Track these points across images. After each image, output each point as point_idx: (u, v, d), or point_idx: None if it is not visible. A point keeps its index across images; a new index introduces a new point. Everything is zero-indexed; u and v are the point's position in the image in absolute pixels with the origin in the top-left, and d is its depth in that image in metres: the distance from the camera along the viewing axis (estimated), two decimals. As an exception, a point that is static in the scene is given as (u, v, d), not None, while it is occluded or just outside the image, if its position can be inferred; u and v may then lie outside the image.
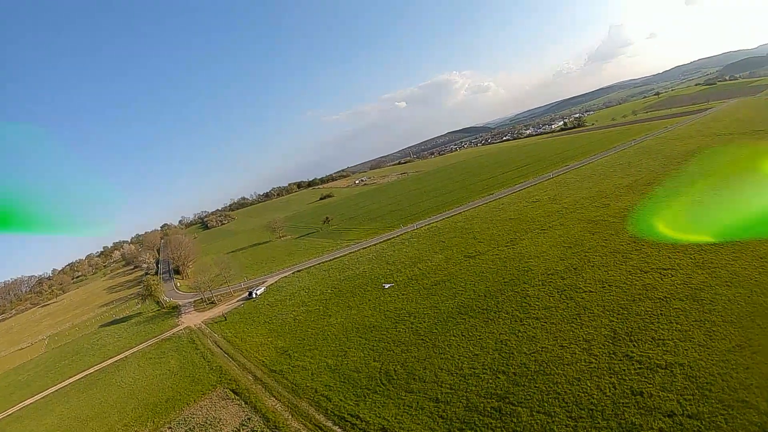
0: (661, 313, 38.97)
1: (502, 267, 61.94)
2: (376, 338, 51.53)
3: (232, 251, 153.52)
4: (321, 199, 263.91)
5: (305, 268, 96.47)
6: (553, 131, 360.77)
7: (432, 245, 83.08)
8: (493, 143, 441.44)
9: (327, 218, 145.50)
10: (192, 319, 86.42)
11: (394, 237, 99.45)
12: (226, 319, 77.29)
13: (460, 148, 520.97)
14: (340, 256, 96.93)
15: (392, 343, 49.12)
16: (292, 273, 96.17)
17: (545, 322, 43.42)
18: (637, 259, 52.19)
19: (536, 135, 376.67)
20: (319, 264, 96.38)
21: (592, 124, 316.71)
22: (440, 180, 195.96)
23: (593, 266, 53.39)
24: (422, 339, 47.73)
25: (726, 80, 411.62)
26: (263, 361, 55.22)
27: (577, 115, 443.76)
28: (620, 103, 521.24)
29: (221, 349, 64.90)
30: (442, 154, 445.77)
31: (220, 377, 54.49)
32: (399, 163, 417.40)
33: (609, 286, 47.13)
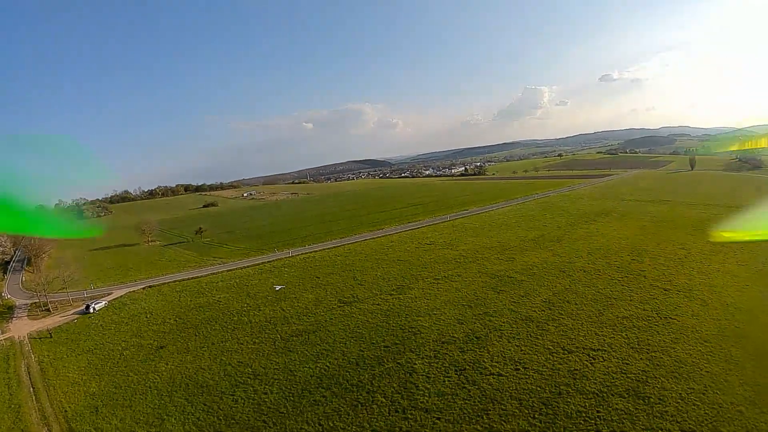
0: (598, 416, 30.93)
1: (384, 323, 52.41)
2: (204, 407, 38.87)
3: (96, 249, 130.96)
4: (204, 206, 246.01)
5: (158, 284, 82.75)
6: (453, 175, 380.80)
7: (303, 280, 74.79)
8: (391, 178, 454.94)
9: (200, 229, 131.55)
10: (20, 327, 67.54)
11: (264, 262, 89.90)
12: (51, 337, 61.55)
13: (357, 177, 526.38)
14: (200, 276, 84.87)
15: (222, 418, 36.84)
16: (143, 288, 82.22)
17: (438, 418, 32.95)
18: (556, 332, 44.81)
19: (436, 176, 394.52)
20: (174, 282, 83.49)
21: (493, 174, 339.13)
22: (330, 206, 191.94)
23: (501, 337, 45.12)
24: (263, 421, 35.55)
25: (627, 152, 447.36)
26: (66, 412, 41.22)
27: (478, 164, 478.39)
28: (521, 159, 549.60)
29: (30, 379, 49.15)
30: (339, 181, 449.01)
31: (13, 424, 39.69)
32: (293, 182, 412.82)
33: (524, 368, 38.51)
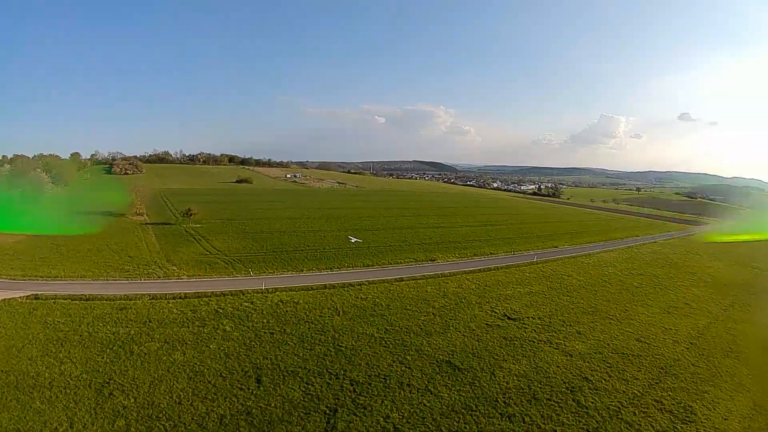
0: None
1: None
2: None
3: (73, 212, 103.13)
4: (237, 182, 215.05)
5: (47, 295, 48.82)
6: (524, 193, 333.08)
7: (240, 364, 35.78)
8: (456, 184, 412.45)
9: (189, 211, 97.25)
10: None
11: (217, 291, 52.59)
12: None
13: (421, 177, 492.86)
14: (103, 296, 49.58)
15: None
16: (29, 296, 48.55)
17: None
18: None
19: (505, 190, 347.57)
20: (69, 296, 48.97)
21: (568, 198, 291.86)
22: (374, 208, 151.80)
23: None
24: None
25: (704, 199, 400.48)
26: None
27: (550, 184, 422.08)
28: (591, 187, 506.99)
29: None
30: (400, 179, 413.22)
31: None
32: (348, 172, 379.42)
33: None
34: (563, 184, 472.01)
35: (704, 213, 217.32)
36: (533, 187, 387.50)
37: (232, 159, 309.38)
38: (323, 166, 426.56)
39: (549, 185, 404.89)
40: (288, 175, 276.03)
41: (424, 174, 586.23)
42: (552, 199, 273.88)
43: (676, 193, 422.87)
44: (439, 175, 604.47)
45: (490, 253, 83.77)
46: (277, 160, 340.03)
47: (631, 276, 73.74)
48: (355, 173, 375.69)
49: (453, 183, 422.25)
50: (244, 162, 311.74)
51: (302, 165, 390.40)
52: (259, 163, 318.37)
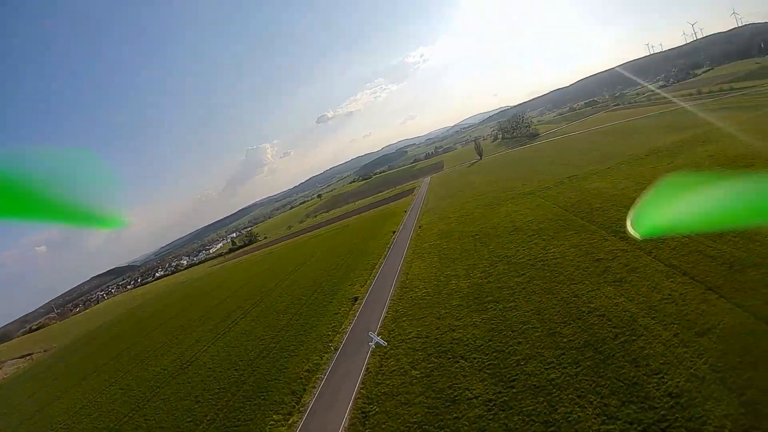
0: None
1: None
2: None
3: None
4: None
5: None
6: (221, 253, 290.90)
7: None
8: (146, 283, 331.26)
9: None
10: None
11: None
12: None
13: (107, 294, 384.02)
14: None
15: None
16: None
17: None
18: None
19: (201, 263, 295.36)
20: None
21: (265, 237, 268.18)
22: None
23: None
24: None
25: (375, 174, 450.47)
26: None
27: (233, 235, 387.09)
28: (269, 218, 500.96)
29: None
30: (87, 307, 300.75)
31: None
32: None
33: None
34: (236, 233, 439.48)
35: (383, 187, 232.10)
36: (219, 246, 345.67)
37: None
38: None
39: (233, 237, 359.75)
40: None
41: (110, 288, 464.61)
42: (254, 247, 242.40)
43: (351, 183, 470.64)
44: (123, 280, 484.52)
45: None
46: None
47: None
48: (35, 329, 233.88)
49: (142, 284, 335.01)
50: None
51: None
52: None
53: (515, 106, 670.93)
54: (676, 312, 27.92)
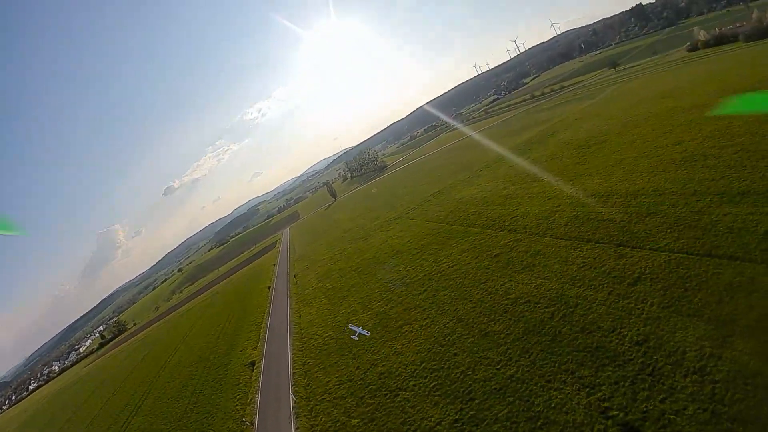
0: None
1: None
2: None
3: None
4: None
5: None
6: (92, 350, 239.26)
7: None
8: (21, 399, 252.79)
9: None
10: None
11: None
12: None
13: None
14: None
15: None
16: None
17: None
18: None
19: (74, 364, 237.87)
20: None
21: (135, 323, 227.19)
22: None
23: None
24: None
25: (232, 238, 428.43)
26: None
27: (104, 327, 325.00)
28: (134, 303, 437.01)
29: None
30: None
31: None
32: None
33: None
34: (103, 325, 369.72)
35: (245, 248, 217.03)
36: (89, 343, 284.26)
37: None
38: None
39: (100, 331, 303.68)
40: None
41: None
42: (122, 337, 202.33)
43: (211, 249, 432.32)
44: None
45: None
46: None
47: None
48: None
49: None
50: None
51: None
52: None
53: (357, 146, 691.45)
54: (598, 274, 28.01)
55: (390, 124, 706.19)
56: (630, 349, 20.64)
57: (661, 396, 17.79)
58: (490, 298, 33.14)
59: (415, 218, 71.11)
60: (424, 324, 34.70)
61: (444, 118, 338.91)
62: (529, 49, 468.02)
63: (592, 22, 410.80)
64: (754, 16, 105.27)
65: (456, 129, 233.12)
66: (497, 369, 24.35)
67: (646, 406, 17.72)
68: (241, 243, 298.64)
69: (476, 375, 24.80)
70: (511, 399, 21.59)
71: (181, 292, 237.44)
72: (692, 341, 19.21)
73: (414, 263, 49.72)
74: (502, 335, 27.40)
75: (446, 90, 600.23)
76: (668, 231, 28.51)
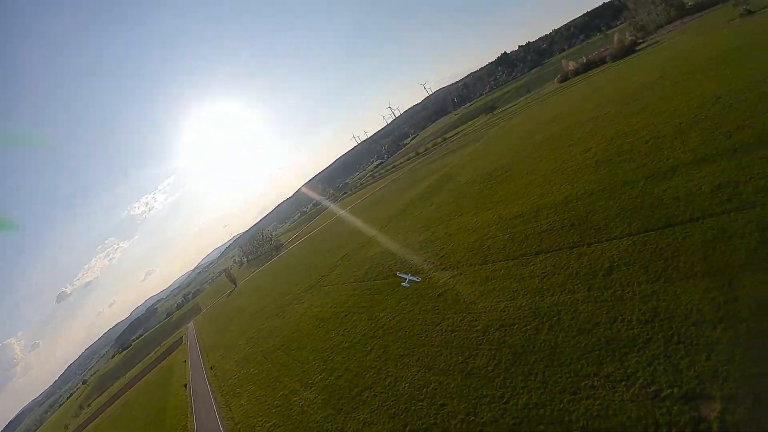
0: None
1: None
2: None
3: None
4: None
5: None
6: None
7: None
8: None
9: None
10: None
11: None
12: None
13: None
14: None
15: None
16: None
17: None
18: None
19: None
20: None
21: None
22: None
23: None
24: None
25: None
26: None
27: None
28: (42, 424, 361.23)
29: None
30: None
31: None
32: None
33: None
34: None
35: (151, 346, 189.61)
36: None
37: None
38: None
39: None
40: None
41: None
42: None
43: (111, 358, 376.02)
44: None
45: None
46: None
47: None
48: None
49: None
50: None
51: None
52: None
53: (248, 230, 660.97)
54: (566, 278, 26.67)
55: (278, 204, 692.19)
56: (643, 329, 19.28)
57: (704, 355, 16.33)
58: (454, 336, 29.49)
59: (329, 284, 65.94)
60: (386, 384, 29.64)
61: (329, 190, 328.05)
62: (405, 112, 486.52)
63: (461, 78, 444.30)
64: (616, 38, 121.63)
65: (344, 197, 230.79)
66: (504, 403, 20.70)
67: (694, 371, 16.06)
68: (145, 344, 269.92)
69: (481, 418, 20.60)
70: (542, 428, 18.20)
71: (89, 405, 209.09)
72: (700, 297, 18.69)
73: (347, 326, 44.36)
74: (490, 368, 23.76)
75: (330, 163, 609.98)
76: (617, 220, 28.56)
